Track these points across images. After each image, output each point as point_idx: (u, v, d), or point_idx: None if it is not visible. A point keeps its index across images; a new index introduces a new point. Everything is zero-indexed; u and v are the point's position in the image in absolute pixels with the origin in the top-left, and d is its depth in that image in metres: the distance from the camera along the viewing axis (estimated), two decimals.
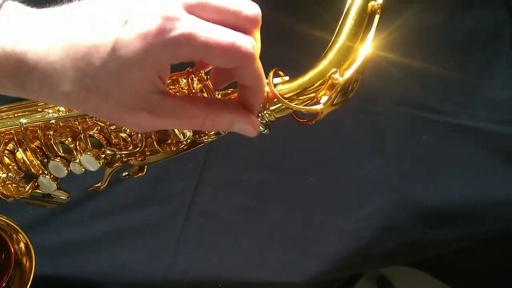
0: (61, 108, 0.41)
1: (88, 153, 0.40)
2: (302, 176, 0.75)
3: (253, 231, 0.74)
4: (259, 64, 0.32)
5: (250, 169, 0.75)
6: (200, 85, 0.38)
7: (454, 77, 0.73)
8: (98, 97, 0.31)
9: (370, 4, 0.35)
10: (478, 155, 0.72)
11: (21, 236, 0.49)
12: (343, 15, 0.36)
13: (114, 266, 0.73)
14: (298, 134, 0.75)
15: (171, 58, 0.30)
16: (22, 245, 0.50)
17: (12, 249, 0.50)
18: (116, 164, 0.43)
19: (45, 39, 0.31)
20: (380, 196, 0.73)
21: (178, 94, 0.39)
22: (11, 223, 0.49)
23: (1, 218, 0.49)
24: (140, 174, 0.43)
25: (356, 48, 0.35)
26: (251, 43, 0.31)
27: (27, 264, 0.50)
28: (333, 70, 0.35)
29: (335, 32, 0.36)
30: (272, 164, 0.75)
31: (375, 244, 0.72)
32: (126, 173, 0.44)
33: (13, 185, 0.45)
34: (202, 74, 0.38)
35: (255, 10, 0.32)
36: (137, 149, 0.41)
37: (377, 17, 0.35)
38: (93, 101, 0.31)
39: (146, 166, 0.43)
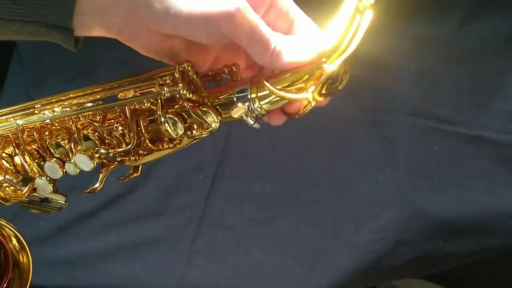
0: (56, 109, 0.42)
1: (82, 153, 0.41)
2: (313, 188, 0.74)
3: (264, 243, 0.74)
4: None
5: (261, 181, 0.75)
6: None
7: (466, 88, 0.73)
8: None
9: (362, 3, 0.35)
10: (491, 166, 0.71)
11: (9, 231, 0.48)
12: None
13: (125, 278, 0.73)
14: (309, 145, 0.75)
15: None
16: (14, 241, 0.49)
17: (8, 248, 0.49)
18: (111, 166, 0.43)
19: None
20: (392, 208, 0.72)
21: (166, 86, 0.39)
22: None
23: None
24: (135, 175, 0.44)
25: (347, 42, 0.35)
26: None
27: (24, 260, 0.49)
28: (323, 60, 0.35)
29: (327, 26, 0.37)
30: (283, 176, 0.75)
31: (387, 256, 0.71)
32: (122, 176, 0.44)
33: (11, 188, 0.45)
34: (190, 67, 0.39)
35: None
36: (129, 147, 0.41)
37: (368, 12, 0.35)
38: None
39: (140, 167, 0.43)
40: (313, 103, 0.37)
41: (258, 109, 0.37)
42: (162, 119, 0.38)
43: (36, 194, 0.46)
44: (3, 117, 0.44)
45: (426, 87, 0.73)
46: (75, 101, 0.42)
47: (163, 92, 0.38)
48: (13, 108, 0.44)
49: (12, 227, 0.49)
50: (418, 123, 0.73)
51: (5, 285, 0.49)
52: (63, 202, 0.47)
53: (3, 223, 0.48)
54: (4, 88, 0.83)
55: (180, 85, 0.37)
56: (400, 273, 0.77)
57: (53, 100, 0.43)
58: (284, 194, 0.75)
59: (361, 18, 0.34)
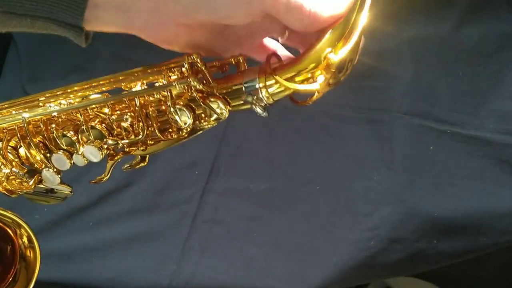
0: (63, 101, 0.42)
1: (91, 144, 0.41)
2: (308, 185, 0.75)
3: (258, 239, 0.74)
4: None
5: (256, 178, 0.75)
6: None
7: (462, 88, 0.73)
8: None
9: None
10: (485, 166, 0.71)
11: (24, 231, 0.49)
12: None
13: (119, 273, 0.73)
14: (305, 143, 0.75)
15: None
16: (25, 238, 0.50)
17: (17, 244, 0.50)
18: (118, 156, 0.43)
19: None
20: (386, 207, 0.72)
21: (176, 79, 0.39)
22: (14, 217, 0.48)
23: (7, 213, 0.49)
24: (142, 164, 0.44)
25: (351, 25, 0.35)
26: None
27: (31, 255, 0.50)
28: (328, 50, 0.36)
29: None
30: (278, 173, 0.75)
31: (381, 254, 0.72)
32: (128, 165, 0.44)
33: (17, 180, 0.45)
34: (199, 59, 0.39)
35: None
36: (139, 137, 0.41)
37: None
38: None
39: (147, 156, 0.44)
40: (320, 93, 0.38)
41: (266, 98, 0.38)
42: (172, 110, 0.39)
43: (42, 186, 0.46)
44: (4, 110, 0.44)
45: (422, 87, 0.73)
46: (80, 94, 0.42)
47: (173, 84, 0.38)
48: (15, 101, 0.44)
49: (28, 228, 0.49)
50: (413, 122, 0.73)
51: (11, 278, 0.50)
52: (69, 192, 0.48)
53: (22, 223, 0.49)
54: (0, 81, 0.83)
55: (191, 77, 0.38)
56: (393, 271, 0.77)
57: (58, 93, 0.43)
58: (279, 191, 0.75)
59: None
